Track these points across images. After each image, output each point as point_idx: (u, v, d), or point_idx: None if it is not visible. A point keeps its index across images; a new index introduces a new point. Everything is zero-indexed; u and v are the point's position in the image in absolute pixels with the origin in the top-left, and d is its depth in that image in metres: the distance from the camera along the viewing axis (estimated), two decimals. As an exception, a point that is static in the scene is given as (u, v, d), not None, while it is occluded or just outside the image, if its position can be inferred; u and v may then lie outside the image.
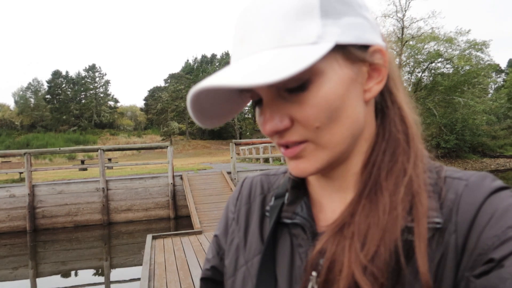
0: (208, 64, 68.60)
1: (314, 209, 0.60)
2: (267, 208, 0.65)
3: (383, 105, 0.56)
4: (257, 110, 0.54)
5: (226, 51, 69.67)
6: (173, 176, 12.24)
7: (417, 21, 22.60)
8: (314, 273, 0.52)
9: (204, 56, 71.73)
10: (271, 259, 0.59)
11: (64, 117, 56.16)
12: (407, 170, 0.52)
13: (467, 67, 23.21)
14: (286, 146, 0.52)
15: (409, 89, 23.69)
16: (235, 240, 0.67)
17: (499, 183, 0.52)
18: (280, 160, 17.83)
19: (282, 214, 0.61)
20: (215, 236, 0.72)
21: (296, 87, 0.48)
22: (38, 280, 7.74)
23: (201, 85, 0.42)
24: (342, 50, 0.49)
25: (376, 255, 0.47)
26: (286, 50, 0.45)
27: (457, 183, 0.52)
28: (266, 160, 19.85)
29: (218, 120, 0.55)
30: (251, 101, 0.56)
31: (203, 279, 0.72)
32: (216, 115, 0.54)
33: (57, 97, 58.69)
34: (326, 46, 0.45)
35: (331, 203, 0.59)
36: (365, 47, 0.51)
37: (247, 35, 0.48)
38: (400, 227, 0.48)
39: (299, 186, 0.62)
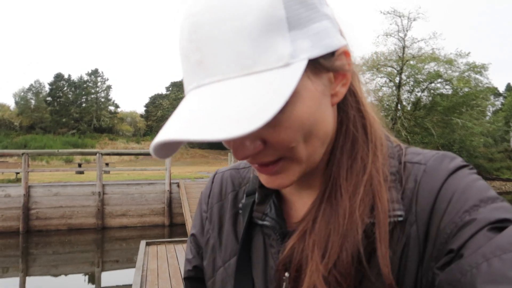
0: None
1: (285, 205, 0.60)
2: (240, 205, 0.64)
3: (343, 101, 0.53)
4: None
5: (229, 62, 69.81)
6: (170, 184, 12.24)
7: (418, 41, 22.89)
8: (287, 274, 0.52)
9: (206, 66, 72.02)
10: (247, 260, 0.59)
11: (64, 119, 56.12)
12: (367, 166, 0.51)
13: (466, 89, 23.40)
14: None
15: (408, 108, 23.87)
16: (211, 240, 0.66)
17: (456, 162, 0.50)
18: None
19: (254, 213, 0.60)
20: (192, 235, 0.71)
21: None
22: (28, 280, 7.69)
23: (167, 136, 0.38)
24: (312, 64, 0.45)
25: (338, 261, 0.47)
26: (257, 79, 0.40)
27: (416, 168, 0.51)
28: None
29: (171, 153, 0.48)
30: None
31: (187, 279, 0.70)
32: (170, 151, 0.47)
33: (58, 100, 58.70)
34: (300, 67, 0.42)
35: (300, 199, 0.58)
36: (331, 53, 0.47)
37: (205, 57, 0.42)
38: (361, 230, 0.47)
39: None
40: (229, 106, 0.39)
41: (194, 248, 0.70)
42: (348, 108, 0.53)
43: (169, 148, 0.46)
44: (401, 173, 0.51)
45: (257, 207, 0.60)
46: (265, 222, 0.58)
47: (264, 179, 0.52)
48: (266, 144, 0.46)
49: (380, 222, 0.47)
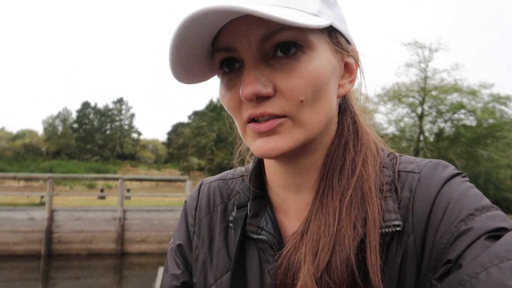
0: (231, 103, 69.98)
1: (279, 214, 0.58)
2: (230, 218, 0.62)
3: (343, 107, 0.57)
4: (226, 79, 0.51)
5: (250, 92, 70.92)
6: (189, 211, 12.23)
7: (440, 72, 22.78)
8: None
9: (227, 95, 73.40)
10: (241, 276, 0.56)
11: (88, 146, 57.62)
12: (357, 168, 0.51)
13: (491, 120, 22.95)
14: (256, 121, 0.49)
15: (431, 139, 23.48)
16: (200, 257, 0.63)
17: (450, 170, 0.50)
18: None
19: (247, 227, 0.58)
20: (179, 246, 0.66)
21: (287, 53, 0.46)
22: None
23: (222, 4, 0.40)
24: (332, 35, 0.50)
25: (329, 266, 0.46)
26: (292, 10, 0.44)
27: (410, 177, 0.51)
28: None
29: (185, 74, 0.51)
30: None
31: None
32: (183, 66, 0.50)
33: (84, 127, 60.56)
34: (325, 21, 0.46)
35: (294, 205, 0.57)
36: (347, 41, 0.53)
37: None
38: (352, 236, 0.47)
39: (261, 196, 0.59)
40: (274, 10, 0.41)
41: (181, 263, 0.65)
42: (345, 113, 0.56)
43: (193, 70, 0.50)
44: (395, 183, 0.51)
45: (250, 220, 0.58)
46: (261, 236, 0.56)
47: (258, 144, 0.49)
48: (276, 94, 0.47)
49: (370, 231, 0.47)
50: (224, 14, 0.43)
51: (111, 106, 63.97)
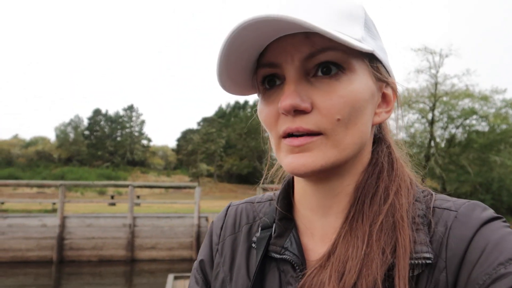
0: (240, 110, 70.28)
1: (304, 237, 0.58)
2: (254, 239, 0.62)
3: (378, 137, 0.58)
4: (266, 95, 0.53)
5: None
6: (199, 217, 12.27)
7: (451, 78, 22.59)
8: None
9: (237, 102, 73.77)
10: None
11: (99, 153, 58.21)
12: (389, 196, 0.51)
13: (504, 126, 22.65)
14: (290, 135, 0.50)
15: (442, 145, 23.24)
16: (220, 275, 0.62)
17: (489, 213, 0.49)
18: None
19: (270, 247, 0.57)
20: (201, 261, 0.67)
21: (329, 73, 0.48)
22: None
23: (275, 14, 0.42)
24: (373, 63, 0.52)
25: None
26: (339, 33, 0.45)
27: (446, 214, 0.50)
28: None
29: (229, 83, 0.53)
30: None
31: None
32: (228, 73, 0.52)
33: (95, 134, 61.25)
34: (368, 47, 0.48)
35: (321, 229, 0.56)
36: (387, 72, 0.55)
37: (300, 5, 0.49)
38: (380, 262, 0.46)
39: (287, 217, 0.59)
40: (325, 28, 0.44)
41: (201, 279, 0.65)
42: (381, 144, 0.57)
43: (229, 75, 0.52)
44: (429, 217, 0.51)
45: (274, 240, 0.58)
46: (284, 256, 0.55)
47: (289, 159, 0.50)
48: (313, 110, 0.48)
49: (400, 258, 0.46)
50: (277, 27, 0.45)
51: (121, 113, 64.69)
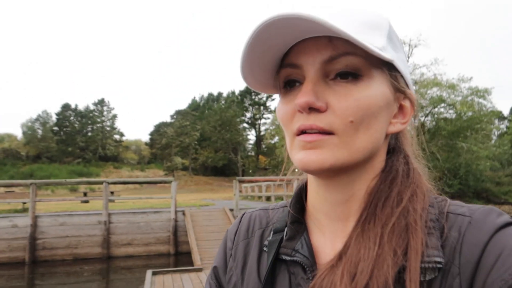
0: (214, 102, 69.84)
1: (316, 241, 0.59)
2: (265, 243, 0.63)
3: (394, 147, 0.59)
4: (285, 95, 0.55)
5: (232, 90, 71.12)
6: (176, 211, 12.19)
7: (420, 67, 23.23)
8: None
9: (210, 94, 73.18)
10: None
11: (70, 149, 56.59)
12: (403, 201, 0.51)
13: (470, 113, 23.52)
14: (304, 133, 0.51)
15: (412, 133, 23.85)
16: (233, 278, 0.64)
17: (505, 218, 0.49)
18: (283, 199, 17.66)
19: (281, 250, 0.58)
20: (215, 268, 0.69)
21: (348, 76, 0.50)
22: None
23: (299, 13, 0.44)
24: (392, 73, 0.53)
25: None
26: (360, 39, 0.47)
27: (460, 219, 0.50)
28: (268, 199, 19.75)
29: (251, 78, 0.56)
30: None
31: None
32: (251, 69, 0.54)
33: (64, 129, 59.45)
34: (387, 56, 0.50)
35: (333, 233, 0.57)
36: (406, 84, 0.56)
37: (324, 11, 0.51)
38: (391, 263, 0.46)
39: (299, 221, 0.61)
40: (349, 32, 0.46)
41: (215, 285, 0.67)
42: (397, 154, 0.58)
43: (252, 72, 0.55)
44: (442, 222, 0.51)
45: (286, 243, 0.59)
46: (294, 258, 0.56)
47: (300, 156, 0.51)
48: (328, 110, 0.50)
49: (412, 260, 0.46)
50: (303, 28, 0.47)
51: (92, 107, 62.98)
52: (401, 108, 0.56)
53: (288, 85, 0.55)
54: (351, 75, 0.50)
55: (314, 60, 0.50)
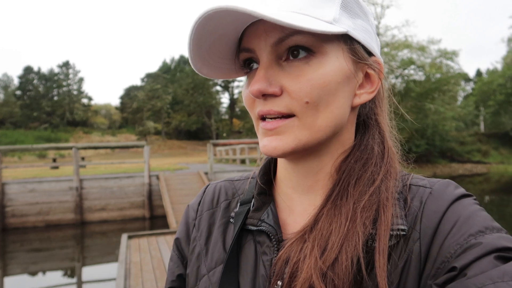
0: (186, 64, 68.14)
1: (283, 213, 0.60)
2: (232, 214, 0.63)
3: (366, 120, 0.58)
4: (248, 78, 0.56)
5: (204, 52, 69.20)
6: (149, 176, 12.14)
7: (392, 29, 23.31)
8: (279, 283, 0.51)
9: (181, 56, 71.21)
10: (234, 268, 0.57)
11: (35, 114, 54.47)
12: (376, 180, 0.53)
13: (438, 75, 24.07)
14: (264, 119, 0.52)
15: (390, 108, 24.28)
16: (197, 248, 0.64)
17: (461, 190, 0.52)
18: (257, 162, 17.81)
19: (247, 220, 0.59)
20: (177, 239, 0.69)
21: (298, 56, 0.49)
22: (7, 280, 7.54)
23: (230, 5, 0.43)
24: (349, 44, 0.52)
25: (336, 262, 0.47)
26: (306, 17, 0.47)
27: (422, 191, 0.53)
28: (243, 161, 19.92)
29: (207, 69, 0.56)
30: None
31: None
32: (203, 60, 0.54)
33: (28, 94, 56.87)
34: (338, 28, 0.48)
35: (300, 206, 0.58)
36: (368, 54, 0.55)
37: None
38: (361, 236, 0.48)
39: (266, 192, 0.61)
40: (285, 15, 0.45)
41: (177, 256, 0.68)
42: (371, 130, 0.58)
43: (206, 61, 0.54)
44: (405, 194, 0.53)
45: (252, 213, 0.59)
46: (261, 227, 0.57)
47: (264, 142, 0.52)
48: (283, 94, 0.50)
49: (381, 234, 0.48)
50: (240, 16, 0.46)
51: (56, 70, 60.22)
52: (367, 76, 0.55)
53: (248, 67, 0.55)
54: (302, 52, 0.49)
55: (265, 43, 0.50)
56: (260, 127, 0.53)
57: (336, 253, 0.47)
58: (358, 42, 0.53)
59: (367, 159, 0.55)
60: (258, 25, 0.50)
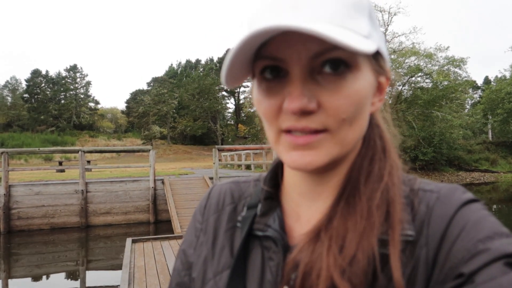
0: (192, 69, 68.51)
1: (290, 219, 0.59)
2: (239, 218, 0.63)
3: (370, 122, 0.57)
4: (266, 86, 0.50)
5: (211, 57, 69.87)
6: (155, 180, 12.14)
7: (399, 36, 23.28)
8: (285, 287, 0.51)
9: (188, 61, 71.62)
10: (241, 273, 0.57)
11: (42, 117, 54.87)
12: (384, 176, 0.52)
13: (446, 82, 23.94)
14: (289, 131, 0.49)
15: (390, 102, 24.25)
16: (203, 252, 0.64)
17: (469, 195, 0.51)
18: (262, 167, 17.88)
19: (254, 226, 0.59)
20: (182, 250, 0.68)
21: (335, 70, 0.47)
22: (11, 282, 7.54)
23: (287, 24, 0.40)
24: (377, 58, 0.51)
25: (354, 259, 0.47)
26: (347, 31, 0.44)
27: (428, 195, 0.52)
28: (248, 167, 19.89)
29: (232, 81, 0.51)
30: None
31: None
32: (232, 75, 0.50)
33: (36, 97, 57.33)
34: (374, 46, 0.46)
35: (308, 212, 0.58)
36: (385, 61, 0.53)
37: (301, 4, 0.46)
38: (377, 233, 0.48)
39: (273, 197, 0.61)
40: (333, 31, 0.42)
41: (180, 261, 0.68)
42: (372, 127, 0.57)
43: (238, 73, 0.49)
44: (412, 198, 0.53)
45: (259, 218, 0.59)
46: (267, 233, 0.56)
47: (292, 157, 0.49)
48: (319, 110, 0.47)
49: (394, 230, 0.48)
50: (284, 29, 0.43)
51: (64, 74, 60.72)
52: (378, 85, 0.55)
53: (270, 73, 0.49)
54: (341, 66, 0.47)
55: (299, 55, 0.46)
56: (285, 138, 0.50)
57: (354, 250, 0.47)
58: (381, 55, 0.52)
59: (372, 155, 0.54)
60: (292, 34, 0.45)
